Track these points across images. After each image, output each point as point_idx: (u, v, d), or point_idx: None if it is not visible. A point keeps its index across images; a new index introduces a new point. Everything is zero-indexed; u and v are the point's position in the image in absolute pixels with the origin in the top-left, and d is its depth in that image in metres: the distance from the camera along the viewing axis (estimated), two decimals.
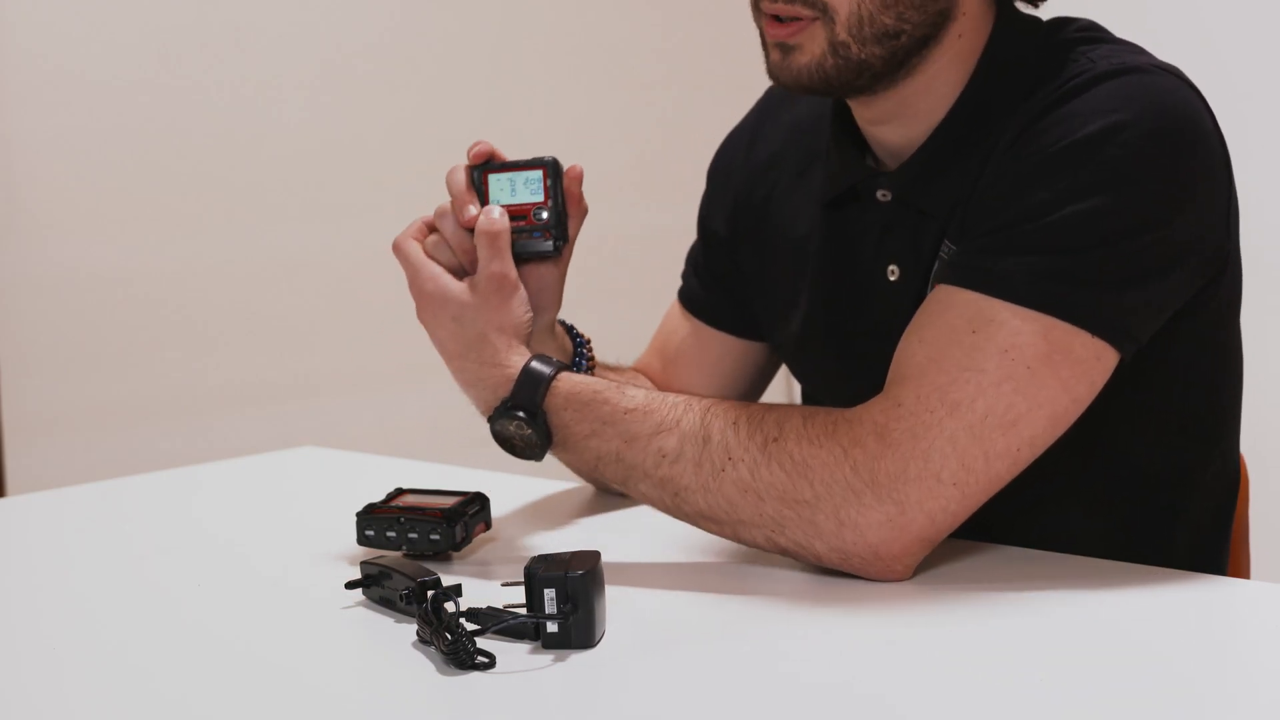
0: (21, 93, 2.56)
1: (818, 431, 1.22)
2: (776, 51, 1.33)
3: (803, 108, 1.52)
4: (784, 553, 1.24)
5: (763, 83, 1.65)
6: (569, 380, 1.28)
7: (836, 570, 1.24)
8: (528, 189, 1.32)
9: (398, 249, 1.33)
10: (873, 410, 1.22)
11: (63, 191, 2.61)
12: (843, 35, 1.29)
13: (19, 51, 2.56)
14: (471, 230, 1.32)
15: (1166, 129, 1.26)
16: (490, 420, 1.29)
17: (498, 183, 1.32)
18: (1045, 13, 1.41)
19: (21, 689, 1.06)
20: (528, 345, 1.36)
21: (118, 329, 2.66)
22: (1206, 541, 1.43)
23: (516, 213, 1.31)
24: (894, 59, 1.31)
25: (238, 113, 2.78)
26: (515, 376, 1.28)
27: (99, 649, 1.13)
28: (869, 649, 1.09)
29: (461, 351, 1.30)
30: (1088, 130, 1.25)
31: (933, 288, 1.30)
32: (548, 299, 1.38)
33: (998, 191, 1.28)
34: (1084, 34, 1.35)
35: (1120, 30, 1.39)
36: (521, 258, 1.32)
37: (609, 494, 1.53)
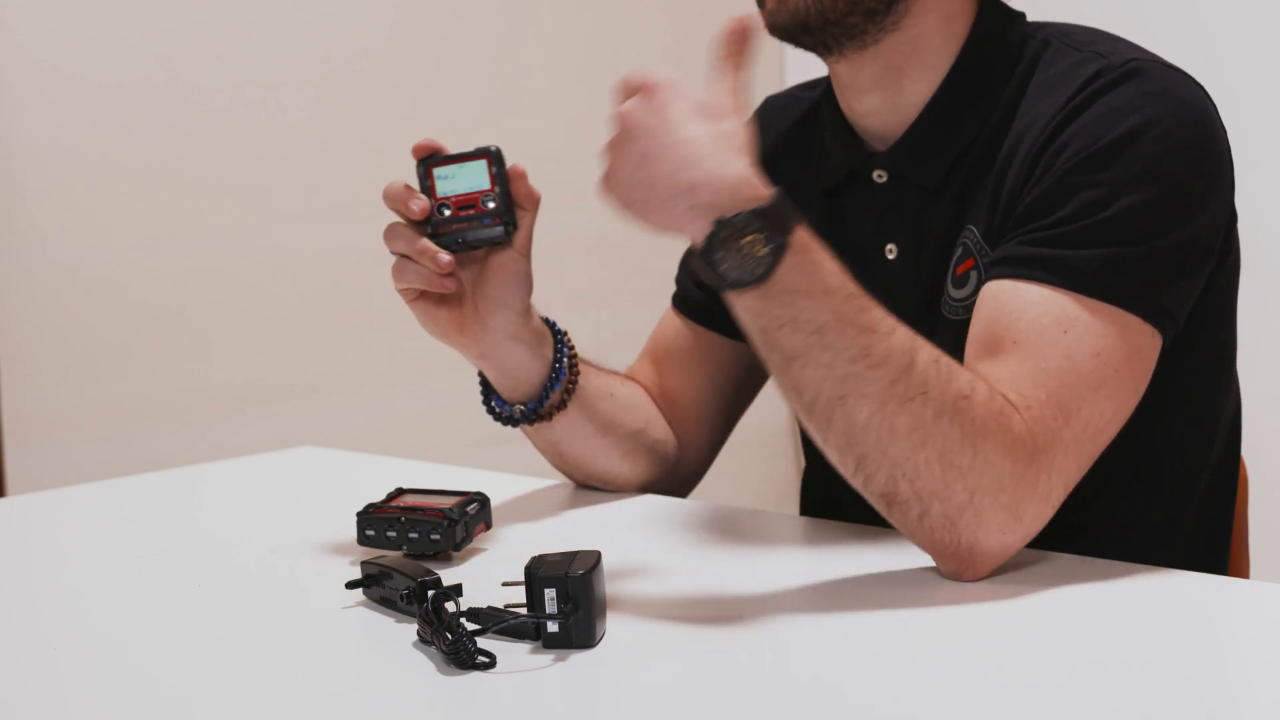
0: (21, 93, 2.56)
1: (997, 411, 1.18)
2: None
3: (792, 118, 1.55)
4: (888, 499, 1.19)
5: (760, 84, 1.65)
6: (807, 230, 1.18)
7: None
8: (473, 179, 1.34)
9: None
10: (1018, 407, 1.20)
11: (63, 192, 2.61)
12: None
13: (19, 52, 2.56)
14: (424, 221, 1.34)
15: (1194, 120, 1.30)
16: (723, 222, 1.15)
17: (443, 174, 1.35)
18: (1046, 13, 1.43)
19: (22, 689, 1.06)
20: (503, 330, 1.40)
21: (118, 329, 2.66)
22: (1208, 538, 1.43)
23: (464, 202, 1.34)
24: None
25: (238, 113, 2.78)
26: (774, 194, 1.16)
27: (99, 649, 1.13)
28: (869, 648, 1.09)
29: (713, 143, 1.16)
30: (1130, 124, 1.28)
31: (985, 275, 1.30)
32: (518, 286, 1.41)
33: (1051, 186, 1.29)
34: (1074, 28, 1.39)
35: (1120, 30, 1.40)
36: (474, 245, 1.35)
37: (608, 493, 1.54)
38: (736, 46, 1.21)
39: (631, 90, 1.21)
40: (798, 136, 1.54)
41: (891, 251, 1.41)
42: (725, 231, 1.15)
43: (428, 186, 1.35)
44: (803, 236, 1.16)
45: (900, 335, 1.18)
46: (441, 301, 1.40)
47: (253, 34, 2.79)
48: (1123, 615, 1.15)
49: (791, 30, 1.37)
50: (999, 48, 1.39)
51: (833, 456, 1.20)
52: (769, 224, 1.15)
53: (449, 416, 2.76)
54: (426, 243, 1.35)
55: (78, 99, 2.62)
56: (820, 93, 1.53)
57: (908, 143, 1.40)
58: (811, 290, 1.16)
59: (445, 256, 1.34)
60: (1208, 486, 1.43)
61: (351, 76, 2.92)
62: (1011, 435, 1.18)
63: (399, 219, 1.37)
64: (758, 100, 1.64)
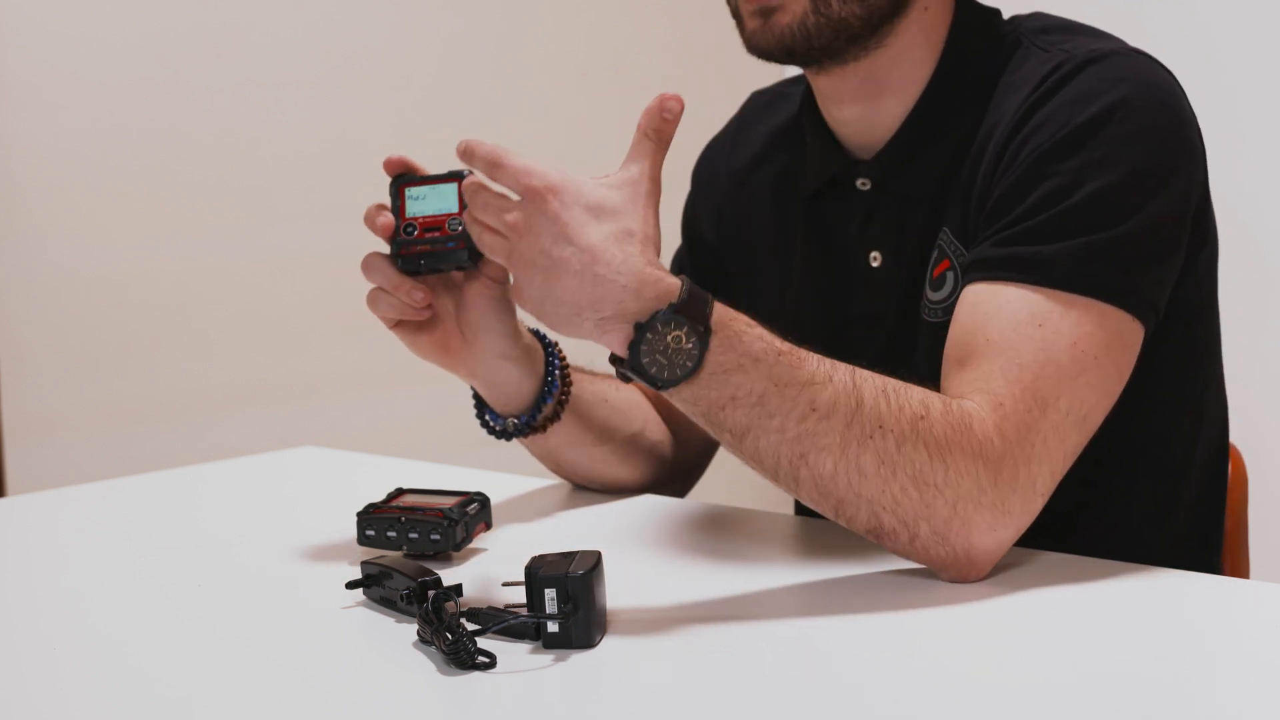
0: (21, 93, 2.56)
1: (957, 420, 1.18)
2: (756, 19, 1.37)
3: (779, 115, 1.56)
4: (874, 533, 1.19)
5: (760, 85, 1.65)
6: (721, 306, 1.15)
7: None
8: (442, 200, 1.31)
9: (492, 168, 1.16)
10: (985, 408, 1.20)
11: (63, 192, 2.61)
12: None
13: (19, 52, 2.56)
14: (388, 239, 1.31)
15: (1157, 101, 1.30)
16: (643, 326, 1.12)
17: (414, 194, 1.32)
18: (1044, 7, 1.44)
19: (22, 689, 1.06)
20: (491, 350, 1.37)
21: (118, 329, 2.66)
22: (1200, 536, 1.44)
23: (431, 224, 1.31)
24: (870, 20, 1.36)
25: (238, 113, 2.78)
26: (681, 284, 1.13)
27: (99, 649, 1.13)
28: (867, 648, 1.09)
29: (608, 247, 1.12)
30: (1090, 111, 1.28)
31: (962, 280, 1.31)
32: (499, 311, 1.38)
33: (1016, 180, 1.30)
34: (1044, 24, 1.40)
35: (1119, 31, 1.40)
36: (435, 269, 1.33)
37: (608, 493, 1.54)
38: (662, 126, 1.17)
39: (521, 191, 1.14)
40: (782, 136, 1.54)
41: (876, 259, 1.41)
42: (648, 335, 1.12)
43: (398, 206, 1.34)
44: (719, 314, 1.14)
45: (840, 378, 1.16)
46: (421, 327, 1.38)
47: (253, 34, 2.79)
48: (1121, 615, 1.15)
49: (775, 54, 1.38)
50: (976, 54, 1.39)
51: (810, 506, 1.20)
52: (688, 316, 1.12)
53: (449, 416, 2.76)
54: (400, 279, 1.32)
55: (78, 99, 2.62)
56: (804, 90, 1.53)
57: (892, 152, 1.41)
58: (742, 364, 1.14)
59: (419, 294, 1.32)
60: (1197, 483, 1.43)
61: (351, 76, 2.92)
62: (975, 440, 1.18)
63: (376, 250, 1.36)
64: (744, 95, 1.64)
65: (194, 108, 2.73)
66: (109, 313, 2.66)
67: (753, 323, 1.16)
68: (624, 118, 3.66)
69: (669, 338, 1.12)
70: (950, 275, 1.36)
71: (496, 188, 1.17)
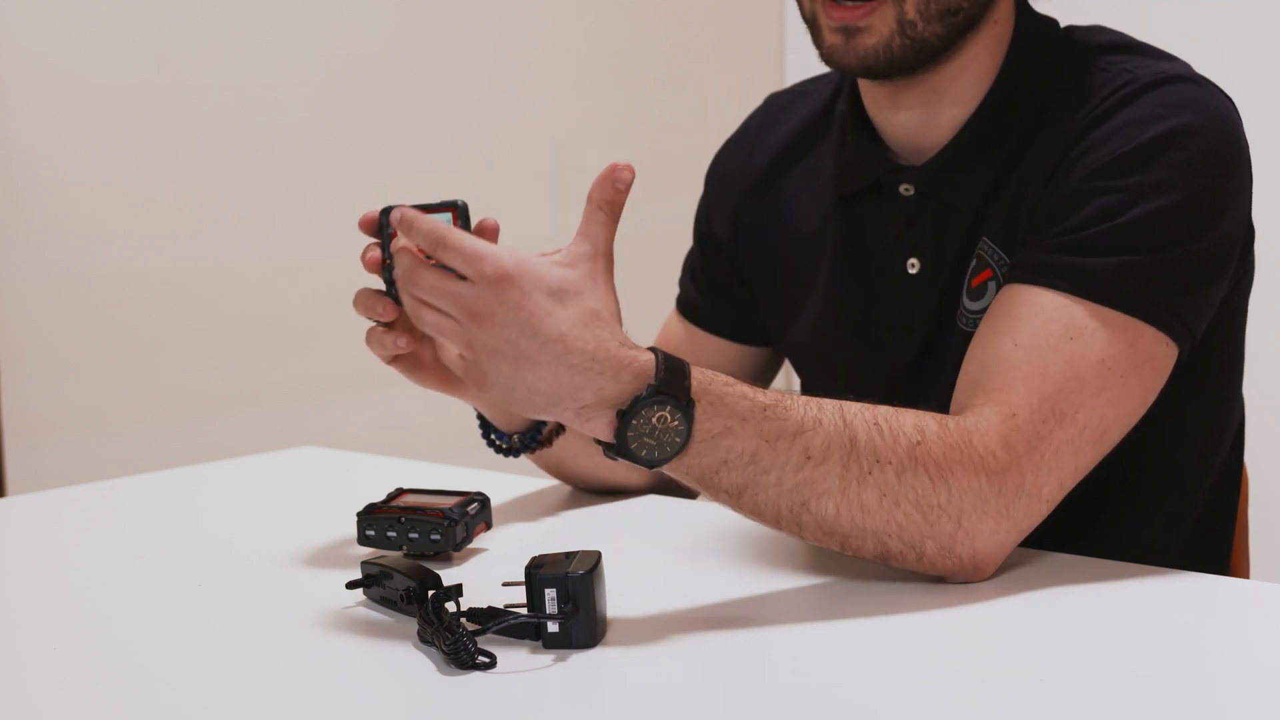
0: (21, 93, 2.56)
1: (956, 439, 1.18)
2: (837, 35, 1.35)
3: (800, 114, 1.54)
4: (881, 558, 1.19)
5: (760, 84, 1.65)
6: (699, 371, 1.13)
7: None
8: None
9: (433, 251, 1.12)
10: (992, 420, 1.21)
11: (63, 191, 2.61)
12: (911, 14, 1.33)
13: (19, 51, 2.56)
14: (376, 271, 1.26)
15: (1218, 131, 1.30)
16: (626, 413, 1.09)
17: None
18: (1049, 11, 1.43)
19: (23, 689, 1.06)
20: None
21: (118, 329, 2.66)
22: (1208, 546, 1.44)
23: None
24: (949, 37, 1.35)
25: (238, 113, 2.78)
26: (655, 361, 1.10)
27: (100, 649, 1.13)
28: (869, 648, 1.09)
29: (578, 334, 1.09)
30: (1153, 133, 1.28)
31: (1001, 285, 1.31)
32: None
33: (1069, 192, 1.29)
34: (1106, 41, 1.39)
35: (1121, 30, 1.40)
36: None
37: (608, 493, 1.53)
38: (614, 196, 1.13)
39: (474, 277, 1.09)
40: (806, 135, 1.52)
41: (914, 266, 1.40)
42: (633, 421, 1.09)
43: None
44: (699, 380, 1.11)
45: (829, 418, 1.15)
46: (420, 360, 1.31)
47: (253, 34, 2.79)
48: (1123, 615, 1.15)
49: (853, 71, 1.37)
50: (1035, 67, 1.38)
51: (815, 544, 1.20)
52: (670, 394, 1.09)
53: (449, 416, 2.76)
54: (375, 299, 1.28)
55: (78, 99, 2.62)
56: (833, 90, 1.52)
57: (943, 160, 1.39)
58: (730, 427, 1.12)
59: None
60: (1209, 495, 1.43)
61: (351, 77, 2.92)
62: (976, 455, 1.18)
63: (367, 287, 1.32)
64: (758, 99, 1.64)
65: (194, 108, 2.73)
66: (109, 313, 2.66)
67: (732, 381, 1.14)
68: (624, 118, 3.66)
69: (654, 419, 1.09)
70: (991, 285, 1.35)
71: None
